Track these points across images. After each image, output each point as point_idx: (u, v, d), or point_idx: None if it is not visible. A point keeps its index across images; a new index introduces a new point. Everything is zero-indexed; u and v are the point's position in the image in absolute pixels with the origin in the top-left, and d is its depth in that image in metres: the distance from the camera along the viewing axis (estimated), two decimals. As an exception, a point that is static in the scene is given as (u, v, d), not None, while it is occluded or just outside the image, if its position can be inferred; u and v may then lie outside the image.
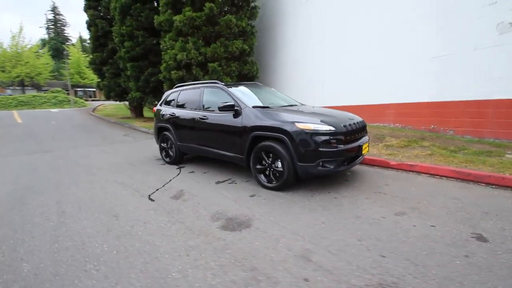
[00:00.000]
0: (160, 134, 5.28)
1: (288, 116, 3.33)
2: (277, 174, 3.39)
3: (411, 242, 2.13)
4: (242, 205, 3.02)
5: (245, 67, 9.78)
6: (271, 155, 3.42)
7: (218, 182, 3.88)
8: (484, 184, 3.33)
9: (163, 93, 12.33)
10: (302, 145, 3.08)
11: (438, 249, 2.03)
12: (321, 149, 3.05)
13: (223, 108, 3.71)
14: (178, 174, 4.40)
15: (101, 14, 13.44)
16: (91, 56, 13.46)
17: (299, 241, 2.21)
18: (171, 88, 10.41)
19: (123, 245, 2.24)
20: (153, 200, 3.27)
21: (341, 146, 3.15)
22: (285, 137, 3.19)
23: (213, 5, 8.70)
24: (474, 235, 2.19)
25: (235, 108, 3.73)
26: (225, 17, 8.96)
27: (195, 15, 8.85)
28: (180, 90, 4.97)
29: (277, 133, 3.26)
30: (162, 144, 5.24)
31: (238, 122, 3.69)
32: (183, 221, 2.67)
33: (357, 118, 3.68)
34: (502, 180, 3.24)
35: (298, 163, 3.14)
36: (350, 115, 3.73)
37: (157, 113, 5.38)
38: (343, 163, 3.21)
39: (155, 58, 11.61)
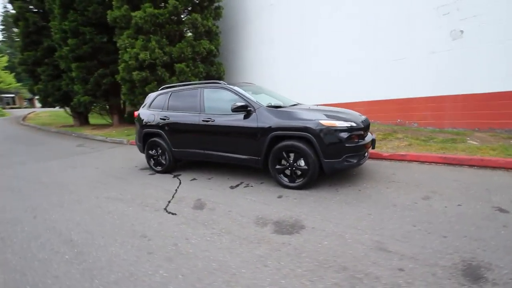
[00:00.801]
0: (146, 141, 4.75)
1: (309, 114, 3.36)
2: (299, 173, 3.40)
3: (455, 221, 2.38)
4: (277, 207, 2.94)
5: (212, 68, 9.52)
6: (291, 154, 3.40)
7: (232, 187, 3.69)
8: (467, 166, 3.92)
9: (119, 96, 11.18)
10: (329, 142, 3.15)
11: (479, 223, 2.31)
12: (346, 144, 3.17)
13: (237, 109, 3.55)
14: (180, 183, 4.03)
15: (31, 7, 11.38)
16: (20, 56, 11.21)
17: (363, 235, 2.25)
18: (131, 90, 9.51)
19: (183, 266, 1.96)
20: (174, 214, 2.94)
21: (362, 141, 3.33)
22: (310, 135, 3.21)
23: (177, 2, 8.22)
24: (496, 209, 2.56)
25: (248, 108, 3.60)
26: (191, 16, 8.56)
27: (157, 12, 8.23)
28: (171, 92, 4.55)
29: (302, 132, 3.26)
30: (150, 152, 4.73)
31: (253, 123, 3.56)
32: (229, 231, 2.46)
33: (363, 116, 3.92)
34: (481, 161, 3.85)
35: (325, 160, 3.20)
36: (356, 112, 3.96)
37: (140, 118, 4.84)
38: (362, 157, 3.40)
39: (106, 57, 10.44)
